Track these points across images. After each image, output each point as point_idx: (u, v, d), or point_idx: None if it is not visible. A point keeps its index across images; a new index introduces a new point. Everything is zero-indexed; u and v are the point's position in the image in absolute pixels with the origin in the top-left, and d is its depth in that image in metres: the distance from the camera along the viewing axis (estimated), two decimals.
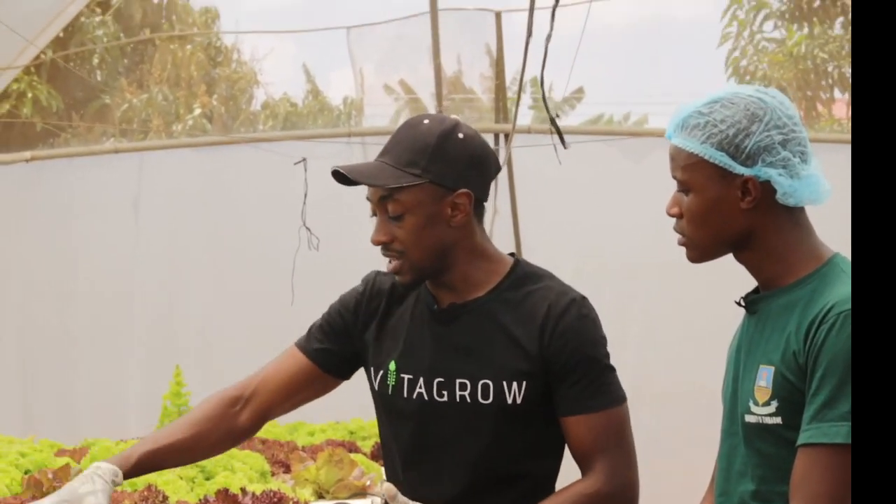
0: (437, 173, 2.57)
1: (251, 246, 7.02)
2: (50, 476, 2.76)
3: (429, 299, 2.69)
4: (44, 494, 2.67)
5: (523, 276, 2.66)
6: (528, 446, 2.62)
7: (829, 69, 12.17)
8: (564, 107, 14.33)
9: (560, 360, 2.57)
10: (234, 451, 3.69)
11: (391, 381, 2.67)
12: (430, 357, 2.63)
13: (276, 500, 3.27)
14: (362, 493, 3.71)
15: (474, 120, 8.40)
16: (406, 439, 2.68)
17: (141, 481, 3.23)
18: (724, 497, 2.36)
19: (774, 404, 2.21)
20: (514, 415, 2.58)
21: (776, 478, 2.23)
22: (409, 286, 2.67)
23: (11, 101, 11.00)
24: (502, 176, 7.15)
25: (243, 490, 3.32)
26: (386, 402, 2.70)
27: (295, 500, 3.37)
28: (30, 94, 11.18)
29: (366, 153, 7.12)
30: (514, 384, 2.57)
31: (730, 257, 2.38)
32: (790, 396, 2.20)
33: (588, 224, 7.21)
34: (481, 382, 2.58)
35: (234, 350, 7.00)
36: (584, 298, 2.62)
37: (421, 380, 2.63)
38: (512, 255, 2.73)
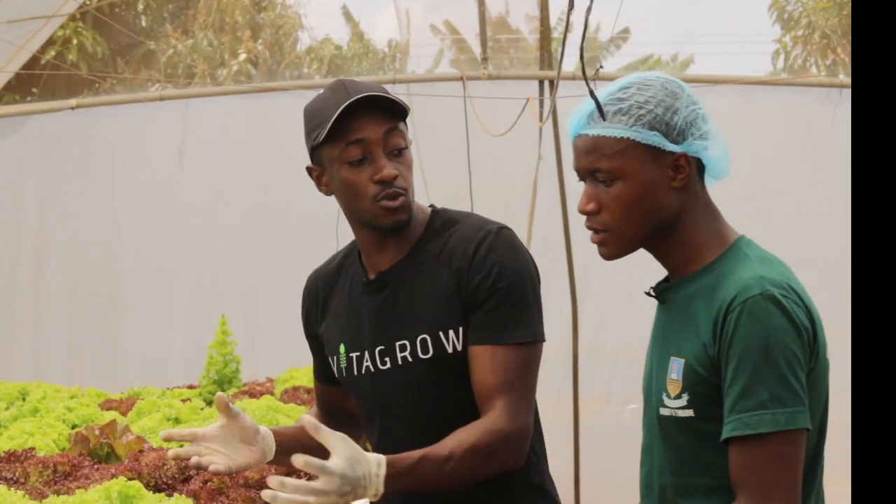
0: None
1: (296, 194, 7.00)
2: (97, 432, 2.76)
3: (359, 273, 2.65)
4: (91, 451, 2.69)
5: (440, 226, 2.60)
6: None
7: None
8: (610, 47, 14.17)
9: (478, 291, 2.49)
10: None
11: (343, 363, 2.66)
12: (369, 330, 2.60)
13: None
14: None
15: (521, 64, 8.34)
16: (372, 412, 2.66)
17: None
18: (647, 490, 2.32)
19: (686, 397, 2.18)
20: (459, 363, 2.51)
21: (692, 471, 2.21)
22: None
23: (57, 47, 11.02)
24: (547, 122, 7.11)
25: None
26: (346, 384, 2.69)
27: None
28: (75, 41, 11.20)
29: (410, 99, 7.09)
30: (451, 332, 2.51)
31: None
32: (701, 389, 2.17)
33: None
34: (419, 339, 2.53)
35: (279, 300, 7.03)
36: (501, 229, 2.54)
37: (366, 354, 2.60)
38: (432, 206, 2.67)
